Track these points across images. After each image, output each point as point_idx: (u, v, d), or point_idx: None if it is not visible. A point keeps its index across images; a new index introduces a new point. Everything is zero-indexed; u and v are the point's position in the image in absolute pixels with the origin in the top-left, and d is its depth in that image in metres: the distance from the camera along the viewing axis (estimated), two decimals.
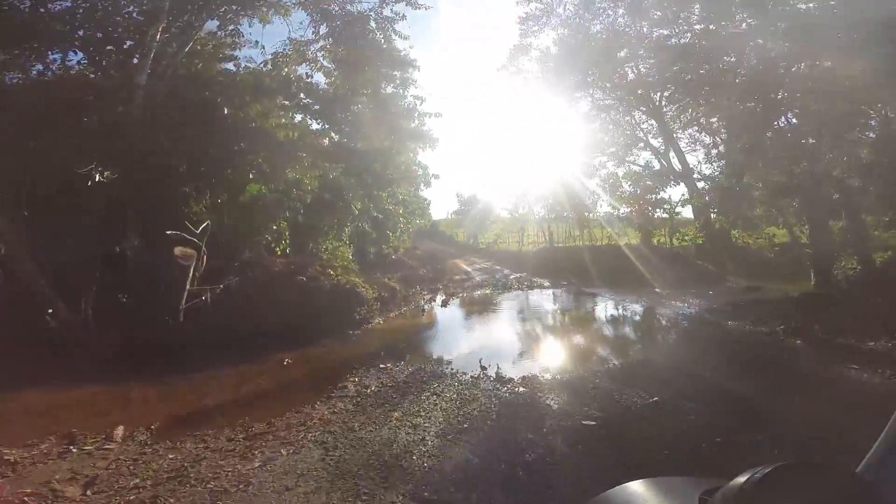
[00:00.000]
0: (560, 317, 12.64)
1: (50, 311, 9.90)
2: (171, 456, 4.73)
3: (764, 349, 7.86)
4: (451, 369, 7.29)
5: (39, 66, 12.64)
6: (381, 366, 7.71)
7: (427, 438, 4.68)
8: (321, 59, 17.83)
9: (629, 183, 24.17)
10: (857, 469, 0.83)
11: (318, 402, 6.02)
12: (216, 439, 5.11)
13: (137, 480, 4.25)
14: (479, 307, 14.11)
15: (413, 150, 28.74)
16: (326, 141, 27.23)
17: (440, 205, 63.11)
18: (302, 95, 26.09)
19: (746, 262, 20.60)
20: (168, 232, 10.52)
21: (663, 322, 11.42)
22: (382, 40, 17.76)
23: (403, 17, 16.56)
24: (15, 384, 7.36)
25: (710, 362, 7.11)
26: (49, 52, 12.78)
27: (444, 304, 14.63)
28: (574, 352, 8.54)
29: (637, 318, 12.40)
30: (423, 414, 5.35)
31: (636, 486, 0.99)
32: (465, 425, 4.96)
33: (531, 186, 33.08)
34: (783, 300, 12.80)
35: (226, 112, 12.62)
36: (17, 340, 8.85)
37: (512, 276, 20.55)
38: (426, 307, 14.08)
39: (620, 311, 13.13)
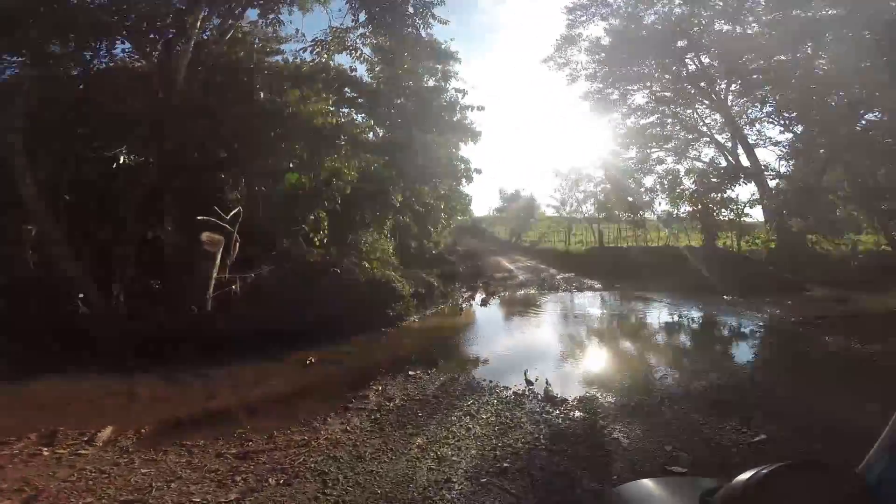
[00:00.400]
0: (617, 324, 11.04)
1: (81, 295, 9.61)
2: (143, 470, 3.85)
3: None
4: (490, 381, 6.06)
5: (88, 54, 12.54)
6: (410, 372, 6.63)
7: (454, 479, 3.53)
8: (361, 46, 16.93)
9: (692, 179, 21.86)
10: (858, 469, 0.78)
11: (332, 415, 5.01)
12: (203, 453, 4.20)
13: (90, 500, 3.40)
14: (521, 308, 12.79)
15: (455, 144, 27.70)
16: (371, 135, 26.86)
17: (482, 201, 61.39)
18: (346, 90, 26.13)
19: (826, 270, 17.92)
20: (199, 217, 9.97)
21: (745, 335, 9.69)
22: (421, 25, 16.65)
23: (442, 1, 15.37)
24: (31, 372, 6.89)
25: (826, 389, 5.50)
26: (97, 42, 12.66)
27: (485, 302, 13.42)
28: (640, 367, 7.04)
29: (712, 329, 10.67)
30: (451, 442, 4.20)
31: (638, 486, 0.97)
32: (506, 463, 3.76)
33: (579, 183, 31.10)
34: (886, 315, 10.68)
35: (262, 97, 11.97)
36: (44, 325, 8.55)
37: (559, 277, 19.00)
38: (465, 305, 12.95)
39: (688, 320, 11.39)
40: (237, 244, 10.43)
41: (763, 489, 0.63)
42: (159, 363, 7.31)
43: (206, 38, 12.78)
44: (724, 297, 14.40)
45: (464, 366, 7.24)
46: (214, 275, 9.72)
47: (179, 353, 7.77)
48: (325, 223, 13.78)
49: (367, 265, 11.51)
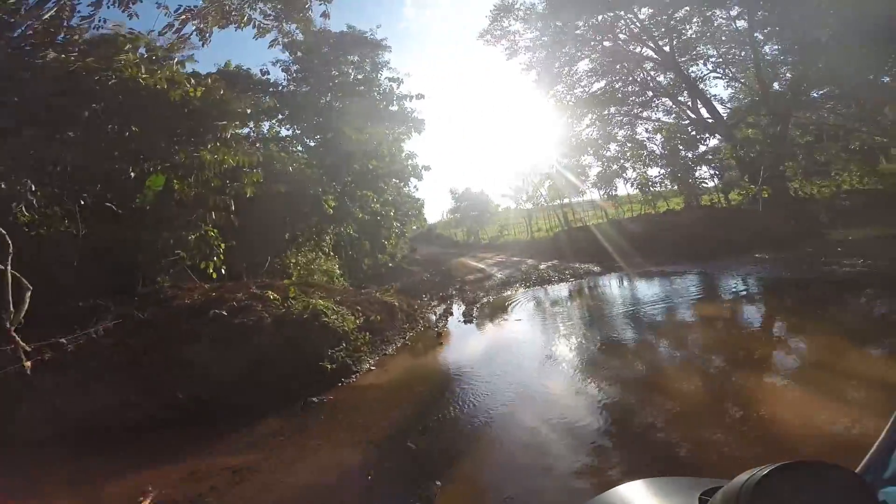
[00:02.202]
0: (710, 322, 6.64)
1: None
2: None
3: None
4: None
5: None
6: None
7: None
8: (249, 12, 12.24)
9: (661, 140, 18.75)
10: (858, 469, 0.76)
11: None
12: None
13: None
14: (525, 317, 8.52)
15: (398, 139, 23.44)
16: (300, 148, 21.98)
17: (434, 207, 57.50)
18: (265, 97, 21.19)
19: (818, 214, 15.22)
20: None
21: None
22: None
23: None
24: None
25: None
26: None
27: (467, 316, 9.05)
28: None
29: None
30: None
31: (636, 486, 0.93)
32: None
33: (534, 169, 27.65)
34: None
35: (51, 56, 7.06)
36: None
37: (542, 266, 15.03)
38: (441, 326, 8.52)
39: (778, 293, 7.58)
40: (28, 296, 5.47)
41: (762, 489, 0.59)
42: None
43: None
44: (756, 255, 11.02)
45: None
46: None
47: None
48: (220, 244, 8.94)
49: (272, 296, 6.82)
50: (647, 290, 9.35)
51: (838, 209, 15.24)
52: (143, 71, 7.72)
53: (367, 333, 7.29)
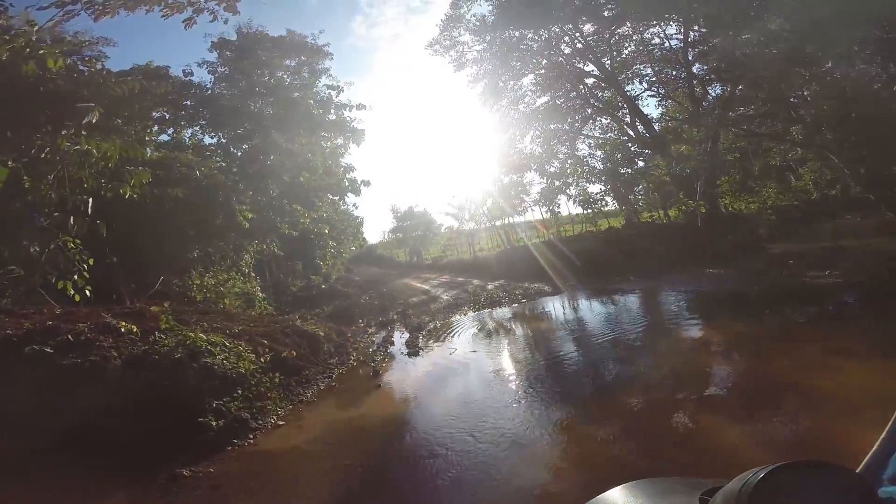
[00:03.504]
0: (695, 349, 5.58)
1: None
2: None
3: None
4: None
5: None
6: None
7: None
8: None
9: (602, 156, 18.68)
10: (858, 469, 0.73)
11: None
12: None
13: None
14: (480, 347, 7.07)
15: (333, 150, 21.59)
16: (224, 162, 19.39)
17: (376, 226, 55.29)
18: (187, 101, 18.61)
19: (751, 228, 15.74)
20: None
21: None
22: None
23: None
24: None
25: None
26: None
27: (412, 347, 7.39)
28: None
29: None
30: None
31: (636, 486, 0.88)
32: None
33: (477, 187, 26.96)
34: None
35: None
36: None
37: (490, 286, 13.83)
38: (379, 360, 6.82)
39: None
40: None
41: (763, 489, 0.58)
42: None
43: None
44: (708, 269, 10.61)
45: None
46: None
47: None
48: (82, 258, 6.66)
49: (128, 326, 4.84)
50: (612, 310, 8.36)
51: (767, 224, 15.77)
52: None
53: (278, 375, 5.46)
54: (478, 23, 19.76)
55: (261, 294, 14.66)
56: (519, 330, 7.97)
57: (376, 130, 66.87)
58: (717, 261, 11.45)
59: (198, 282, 10.68)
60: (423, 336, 8.15)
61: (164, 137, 17.33)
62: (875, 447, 0.75)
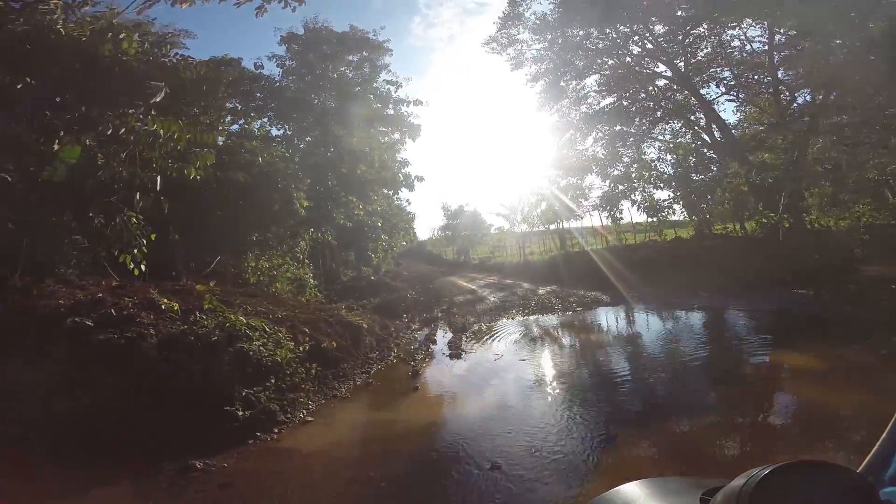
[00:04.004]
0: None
1: None
2: None
3: None
4: None
5: None
6: None
7: None
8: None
9: (673, 161, 17.22)
10: (859, 469, 0.74)
11: None
12: None
13: None
14: (530, 356, 6.47)
15: (390, 145, 21.67)
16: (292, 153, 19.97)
17: (426, 222, 55.49)
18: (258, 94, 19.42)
19: (837, 248, 13.73)
20: None
21: None
22: None
23: None
24: None
25: None
26: None
27: (454, 349, 6.93)
28: None
29: None
30: None
31: (636, 487, 0.88)
32: None
33: (530, 189, 26.02)
34: None
35: None
36: None
37: (541, 291, 13.09)
38: (419, 359, 6.44)
39: None
40: None
41: (764, 489, 0.57)
42: None
43: None
44: (792, 290, 9.27)
45: None
46: None
47: None
48: (143, 233, 6.85)
49: (168, 304, 4.76)
50: (679, 328, 7.43)
51: (859, 243, 13.72)
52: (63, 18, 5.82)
53: (315, 366, 5.22)
54: (538, 21, 18.93)
55: (312, 281, 14.86)
56: (571, 341, 7.28)
57: (431, 128, 67.35)
58: (802, 281, 10.03)
59: (253, 264, 10.91)
60: (467, 338, 7.68)
61: (234, 127, 18.09)
62: (875, 447, 0.73)
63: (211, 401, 3.81)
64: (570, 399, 4.47)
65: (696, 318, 7.97)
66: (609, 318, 8.80)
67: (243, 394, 4.13)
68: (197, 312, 4.77)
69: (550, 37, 19.47)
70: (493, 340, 7.46)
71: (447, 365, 6.15)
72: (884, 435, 0.75)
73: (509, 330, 8.24)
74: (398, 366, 6.18)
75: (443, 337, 8.00)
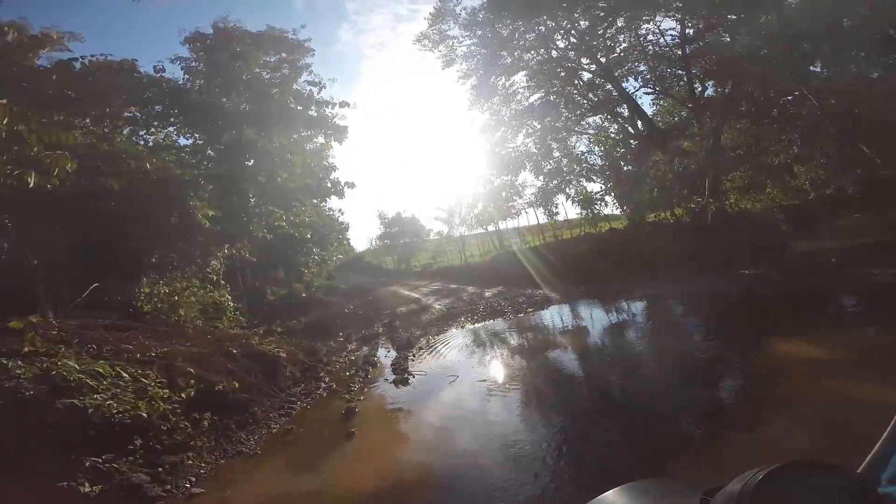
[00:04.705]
0: None
1: None
2: None
3: None
4: None
5: None
6: None
7: None
8: None
9: (601, 153, 17.41)
10: (859, 469, 0.70)
11: None
12: None
13: None
14: (490, 372, 5.42)
15: (316, 151, 19.94)
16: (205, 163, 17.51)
17: (362, 233, 53.25)
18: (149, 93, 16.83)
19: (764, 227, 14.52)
20: None
21: None
22: None
23: None
24: None
25: None
26: None
27: (399, 371, 5.71)
28: None
29: None
30: None
31: (636, 488, 0.85)
32: None
33: (467, 191, 25.55)
34: None
35: None
36: None
37: (487, 294, 12.30)
38: (357, 390, 5.14)
39: None
40: None
41: (763, 489, 0.56)
42: None
43: None
44: (741, 270, 9.24)
45: None
46: None
47: None
48: None
49: None
50: (644, 321, 6.84)
51: (784, 222, 14.58)
52: None
53: (209, 415, 3.80)
54: (468, 16, 18.51)
55: (231, 304, 12.86)
56: (534, 349, 6.34)
57: (365, 135, 65.42)
58: (742, 261, 10.13)
59: (147, 290, 8.89)
60: (413, 356, 6.50)
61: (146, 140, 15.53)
62: (875, 447, 0.73)
63: (31, 476, 2.32)
64: (557, 441, 3.43)
65: (660, 306, 7.48)
66: (564, 317, 8.09)
67: (86, 464, 2.67)
68: (8, 359, 3.17)
69: (480, 32, 19.13)
70: (443, 356, 6.36)
71: (391, 395, 4.93)
72: (884, 435, 0.72)
73: (460, 341, 7.20)
74: (329, 402, 4.87)
75: (385, 356, 6.78)
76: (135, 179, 8.86)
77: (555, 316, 8.30)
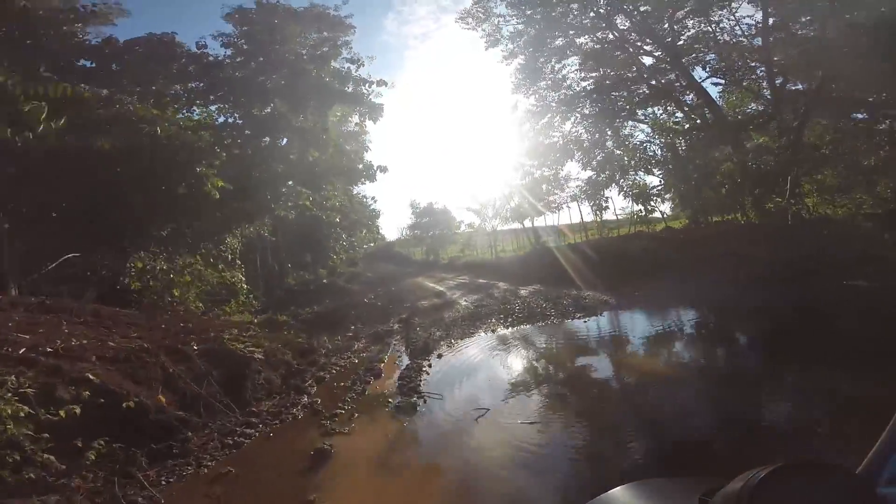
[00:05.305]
0: None
1: None
2: None
3: None
4: None
5: None
6: None
7: None
8: None
9: (662, 143, 15.25)
10: (858, 469, 0.70)
11: None
12: None
13: None
14: (541, 408, 3.59)
15: (351, 132, 18.88)
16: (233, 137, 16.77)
17: (393, 222, 52.21)
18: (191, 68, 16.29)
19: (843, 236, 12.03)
20: None
21: None
22: None
23: None
24: None
25: None
26: None
27: (408, 391, 4.23)
28: None
29: None
30: None
31: (637, 487, 0.85)
32: None
33: (503, 183, 23.73)
34: None
35: None
36: None
37: (522, 292, 10.67)
38: (345, 415, 3.72)
39: None
40: None
41: (763, 489, 0.56)
42: None
43: None
44: (845, 282, 7.20)
45: None
46: None
47: None
48: None
49: None
50: (773, 348, 5.03)
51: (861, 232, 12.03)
52: None
53: (101, 442, 2.47)
54: None
55: (245, 286, 11.88)
56: (606, 373, 4.63)
57: (401, 126, 64.37)
58: (842, 271, 8.06)
59: (139, 265, 7.87)
60: (429, 366, 5.01)
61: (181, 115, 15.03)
62: (875, 448, 0.73)
63: None
64: None
65: (764, 324, 5.63)
66: (637, 329, 6.33)
67: None
68: None
69: (529, 11, 17.29)
70: (468, 373, 4.82)
71: (389, 433, 3.38)
72: (883, 436, 0.72)
73: (491, 351, 5.64)
74: (301, 430, 3.47)
75: (395, 362, 5.34)
76: (138, 142, 7.86)
77: (620, 326, 6.59)
